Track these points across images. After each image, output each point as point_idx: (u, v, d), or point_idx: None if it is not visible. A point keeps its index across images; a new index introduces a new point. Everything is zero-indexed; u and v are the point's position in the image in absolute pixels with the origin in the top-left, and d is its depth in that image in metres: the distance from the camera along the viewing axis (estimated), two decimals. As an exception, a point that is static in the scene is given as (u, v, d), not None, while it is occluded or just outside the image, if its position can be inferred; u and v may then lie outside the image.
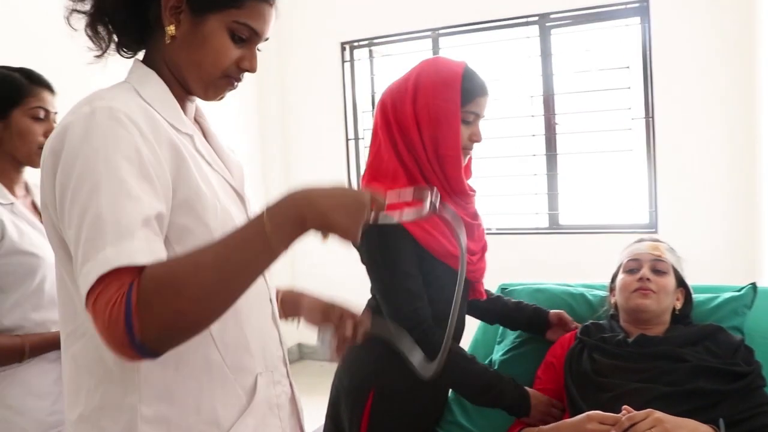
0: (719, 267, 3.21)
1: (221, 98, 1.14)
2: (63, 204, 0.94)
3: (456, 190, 1.69)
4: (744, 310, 1.91)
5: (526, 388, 1.72)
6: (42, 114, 1.71)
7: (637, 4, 4.05)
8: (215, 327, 1.00)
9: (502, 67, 4.51)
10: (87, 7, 1.07)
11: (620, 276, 1.88)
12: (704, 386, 1.57)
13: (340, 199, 0.96)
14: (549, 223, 4.41)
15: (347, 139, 4.97)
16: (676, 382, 1.60)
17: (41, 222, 1.70)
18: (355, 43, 4.90)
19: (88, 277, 0.86)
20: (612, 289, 1.94)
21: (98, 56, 1.10)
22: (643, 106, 4.13)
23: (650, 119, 4.09)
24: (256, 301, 1.11)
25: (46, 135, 1.70)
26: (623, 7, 4.10)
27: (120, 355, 0.87)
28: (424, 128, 1.63)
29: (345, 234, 0.96)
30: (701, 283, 2.03)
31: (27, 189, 1.79)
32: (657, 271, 1.82)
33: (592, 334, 1.82)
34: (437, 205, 1.11)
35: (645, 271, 1.81)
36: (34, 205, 1.78)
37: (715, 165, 3.88)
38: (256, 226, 0.92)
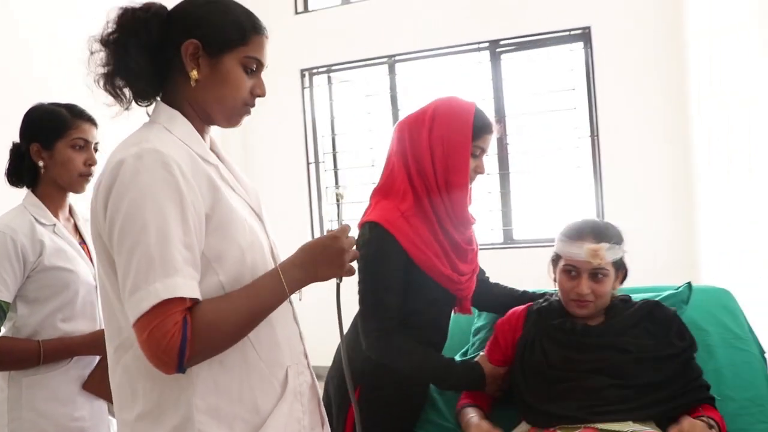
0: (660, 268, 3.45)
1: (240, 124, 1.33)
2: (112, 234, 1.10)
3: (458, 215, 1.85)
4: (682, 306, 2.10)
5: (480, 363, 1.92)
6: (82, 144, 1.85)
7: (579, 31, 4.36)
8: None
9: (456, 91, 4.70)
10: (108, 68, 1.22)
11: (559, 273, 1.89)
12: (650, 380, 1.74)
13: (320, 255, 1.24)
14: (503, 238, 4.64)
15: (308, 163, 5.12)
16: (623, 374, 1.75)
17: (80, 243, 1.89)
18: (314, 70, 5.08)
19: (140, 305, 1.05)
20: (554, 262, 1.95)
21: (125, 108, 1.27)
22: (589, 125, 4.42)
23: (595, 137, 4.38)
24: (281, 306, 1.26)
25: (86, 164, 1.85)
26: (567, 33, 4.40)
27: (159, 369, 1.08)
28: (437, 157, 1.80)
29: (337, 276, 1.27)
30: (645, 284, 2.22)
31: (71, 212, 1.93)
32: (596, 277, 1.82)
33: (543, 317, 1.91)
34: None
35: (583, 284, 1.81)
36: (75, 228, 1.93)
37: (655, 178, 4.19)
38: (274, 281, 1.20)
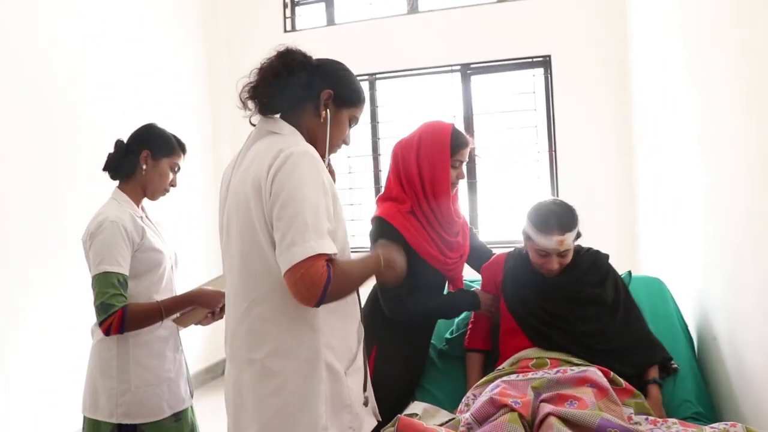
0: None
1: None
2: (275, 204, 1.45)
3: (444, 216, 2.33)
4: (624, 290, 2.62)
5: (475, 290, 2.47)
6: (177, 169, 2.30)
7: (540, 59, 4.86)
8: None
9: (430, 107, 5.19)
10: (253, 84, 1.63)
11: (531, 251, 2.30)
12: (602, 328, 2.25)
13: (395, 268, 1.69)
14: (471, 239, 5.07)
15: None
16: (584, 324, 2.24)
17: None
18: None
19: (297, 255, 1.40)
20: (524, 237, 2.34)
21: (248, 116, 1.69)
22: (547, 141, 4.90)
23: (553, 152, 4.87)
24: None
25: (171, 183, 2.29)
26: (530, 60, 4.90)
27: (305, 304, 1.44)
28: (424, 172, 2.30)
29: (396, 278, 1.73)
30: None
31: (143, 208, 2.31)
32: (562, 255, 2.25)
33: (518, 267, 2.40)
34: None
35: (553, 263, 2.24)
36: (148, 218, 2.31)
37: (603, 187, 4.67)
38: (377, 261, 1.62)
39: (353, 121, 1.73)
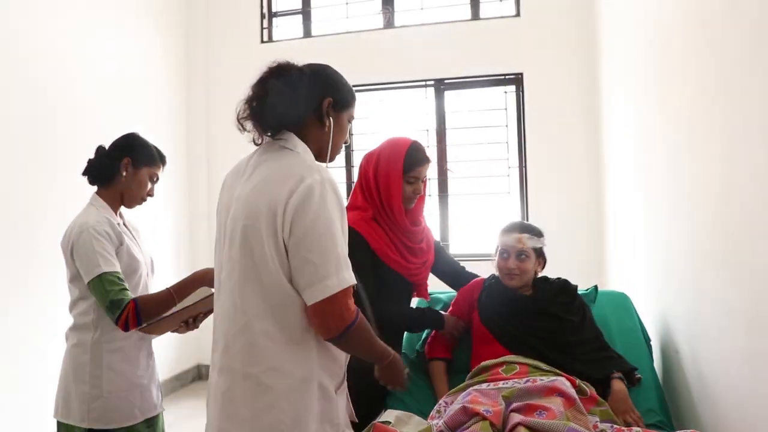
0: (576, 276, 3.96)
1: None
2: (305, 235, 1.48)
3: (400, 226, 2.40)
4: (590, 304, 2.70)
5: (441, 312, 2.55)
6: (155, 179, 2.32)
7: (513, 76, 4.96)
8: None
9: (404, 120, 5.26)
10: (256, 102, 1.62)
11: (497, 257, 2.52)
12: (569, 339, 2.36)
13: (398, 368, 1.84)
14: (442, 252, 5.11)
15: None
16: (552, 335, 2.36)
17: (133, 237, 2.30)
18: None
19: (333, 287, 1.47)
20: (496, 251, 2.56)
21: (257, 142, 1.69)
22: (518, 157, 4.98)
23: (523, 168, 4.95)
24: None
25: (149, 193, 2.31)
26: (502, 77, 4.99)
27: (324, 334, 1.52)
28: (381, 186, 2.37)
29: (393, 381, 1.88)
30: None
31: (120, 214, 2.33)
32: (520, 257, 2.45)
33: (492, 288, 2.53)
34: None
35: (511, 262, 2.45)
36: (125, 225, 2.32)
37: (572, 203, 4.78)
38: (388, 354, 1.77)
39: (350, 119, 1.76)
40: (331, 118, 1.67)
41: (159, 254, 4.82)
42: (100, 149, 2.29)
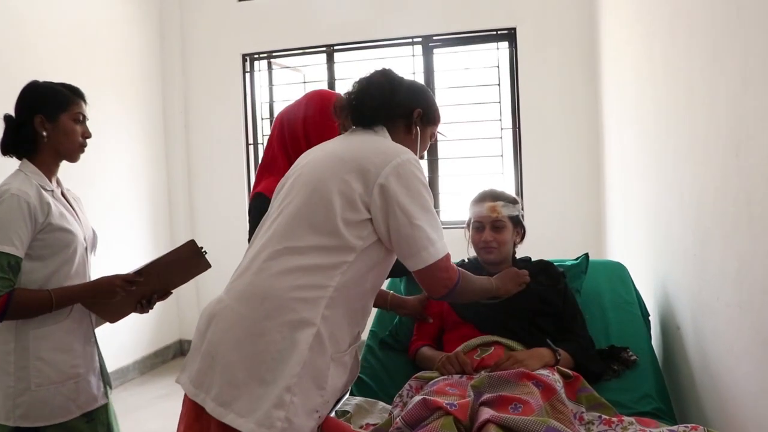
0: (573, 245, 3.77)
1: None
2: (405, 204, 1.57)
3: None
4: (581, 275, 2.48)
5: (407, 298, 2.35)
6: (81, 118, 2.03)
7: (505, 31, 4.71)
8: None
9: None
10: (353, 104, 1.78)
11: (471, 232, 2.32)
12: (542, 324, 2.14)
13: (504, 281, 1.98)
14: (432, 219, 4.93)
15: (247, 144, 5.30)
16: (526, 313, 2.14)
17: (71, 207, 2.06)
18: (256, 55, 5.25)
19: (440, 252, 1.60)
20: (468, 225, 2.36)
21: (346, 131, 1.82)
22: (511, 118, 4.77)
23: (517, 129, 4.74)
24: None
25: (83, 135, 2.04)
26: (494, 33, 4.74)
27: (435, 292, 1.68)
28: (311, 137, 2.12)
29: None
30: (554, 257, 2.57)
31: (58, 182, 2.08)
32: (496, 228, 2.24)
33: (467, 269, 2.29)
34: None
35: (487, 233, 2.24)
36: (63, 194, 2.08)
37: (569, 166, 4.58)
38: (491, 284, 1.90)
39: (432, 137, 1.91)
40: (417, 127, 1.80)
41: (136, 223, 4.92)
42: (7, 118, 2.01)
